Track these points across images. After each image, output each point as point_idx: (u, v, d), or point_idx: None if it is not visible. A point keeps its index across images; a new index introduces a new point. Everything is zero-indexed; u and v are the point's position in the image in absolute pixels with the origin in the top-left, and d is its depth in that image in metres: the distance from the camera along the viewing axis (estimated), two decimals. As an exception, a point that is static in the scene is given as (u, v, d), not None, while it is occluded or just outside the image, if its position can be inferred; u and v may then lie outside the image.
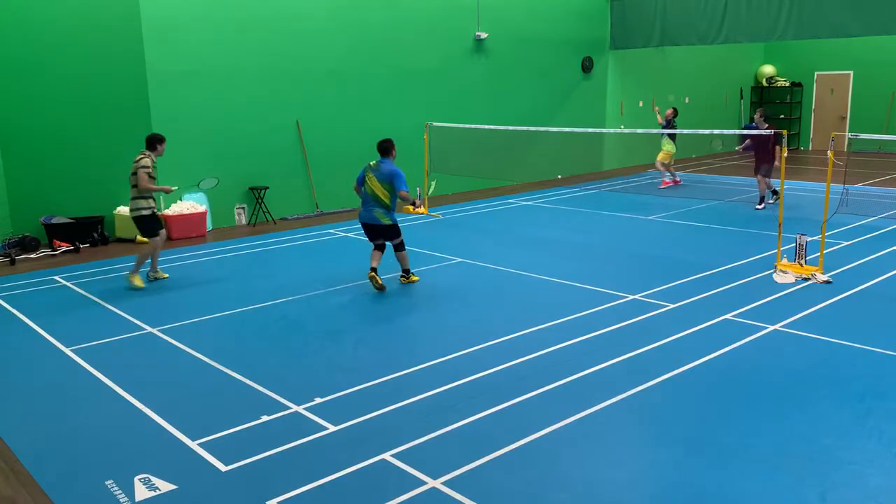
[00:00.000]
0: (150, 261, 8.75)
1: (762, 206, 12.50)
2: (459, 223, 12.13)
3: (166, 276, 8.85)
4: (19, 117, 10.68)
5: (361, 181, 7.92)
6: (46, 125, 10.81)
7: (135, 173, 8.23)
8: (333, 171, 13.11)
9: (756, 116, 12.65)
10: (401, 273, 8.23)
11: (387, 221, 7.82)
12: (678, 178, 15.58)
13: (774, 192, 12.79)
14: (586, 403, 5.14)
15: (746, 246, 9.77)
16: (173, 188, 9.07)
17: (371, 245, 8.17)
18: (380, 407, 5.15)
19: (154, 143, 8.42)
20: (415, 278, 8.25)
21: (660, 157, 15.06)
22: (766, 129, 11.65)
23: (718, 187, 15.06)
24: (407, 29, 14.04)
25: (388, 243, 8.08)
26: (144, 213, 8.38)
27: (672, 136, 14.82)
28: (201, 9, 11.42)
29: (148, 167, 8.22)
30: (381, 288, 7.86)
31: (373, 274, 7.84)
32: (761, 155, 12.42)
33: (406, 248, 8.19)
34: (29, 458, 4.62)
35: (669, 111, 14.90)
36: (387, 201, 7.79)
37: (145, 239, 8.88)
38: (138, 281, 8.40)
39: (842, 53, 21.38)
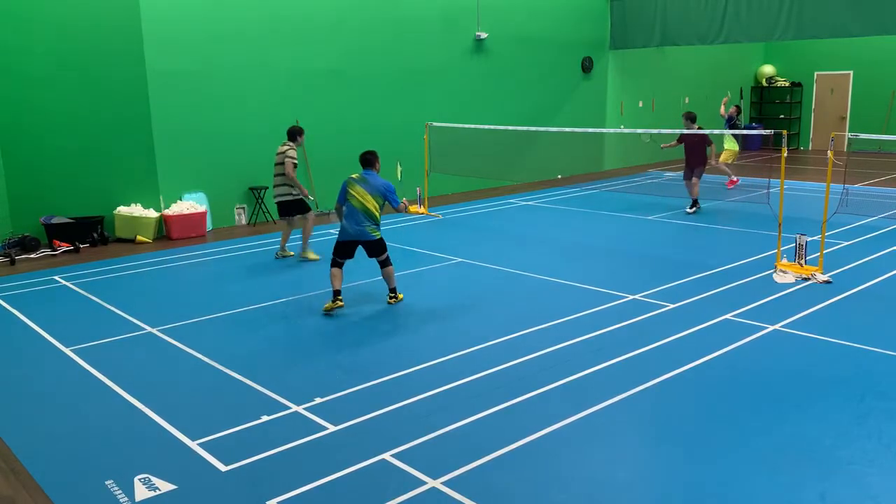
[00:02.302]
0: (282, 238, 9.69)
1: (693, 209, 12.21)
2: (459, 223, 12.13)
3: (292, 254, 9.72)
4: (19, 117, 10.67)
5: (344, 197, 7.35)
6: (46, 125, 10.81)
7: (281, 163, 9.15)
8: (333, 171, 13.05)
9: (684, 119, 12.20)
10: (388, 294, 7.59)
11: (377, 235, 7.34)
12: (735, 178, 14.97)
13: (696, 203, 12.44)
14: (586, 403, 5.14)
15: (746, 246, 9.77)
16: (311, 198, 9.57)
17: (325, 265, 7.54)
18: (380, 407, 5.15)
19: (295, 135, 9.40)
20: (400, 296, 7.63)
21: (722, 157, 14.20)
22: (697, 129, 11.89)
23: (718, 187, 15.04)
24: (407, 29, 14.05)
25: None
26: (289, 198, 9.26)
27: (735, 135, 14.17)
28: (201, 9, 11.43)
29: (294, 157, 9.18)
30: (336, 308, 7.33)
31: (337, 300, 7.23)
32: (693, 158, 12.13)
33: (392, 259, 7.57)
34: (29, 458, 4.61)
35: (733, 109, 14.45)
36: (377, 214, 7.30)
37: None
38: (312, 255, 9.42)
39: (842, 53, 21.38)
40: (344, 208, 7.37)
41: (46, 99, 10.76)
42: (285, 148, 9.27)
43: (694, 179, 12.23)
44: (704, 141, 12.12)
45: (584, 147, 17.74)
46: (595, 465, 4.40)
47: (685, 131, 11.92)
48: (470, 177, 14.95)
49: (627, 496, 4.11)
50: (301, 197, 9.37)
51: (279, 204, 9.40)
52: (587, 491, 4.12)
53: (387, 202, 7.38)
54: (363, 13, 13.34)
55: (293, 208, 9.40)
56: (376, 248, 7.38)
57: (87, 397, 5.51)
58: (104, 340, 6.69)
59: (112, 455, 4.63)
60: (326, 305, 7.29)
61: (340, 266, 7.38)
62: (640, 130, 12.88)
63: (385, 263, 7.47)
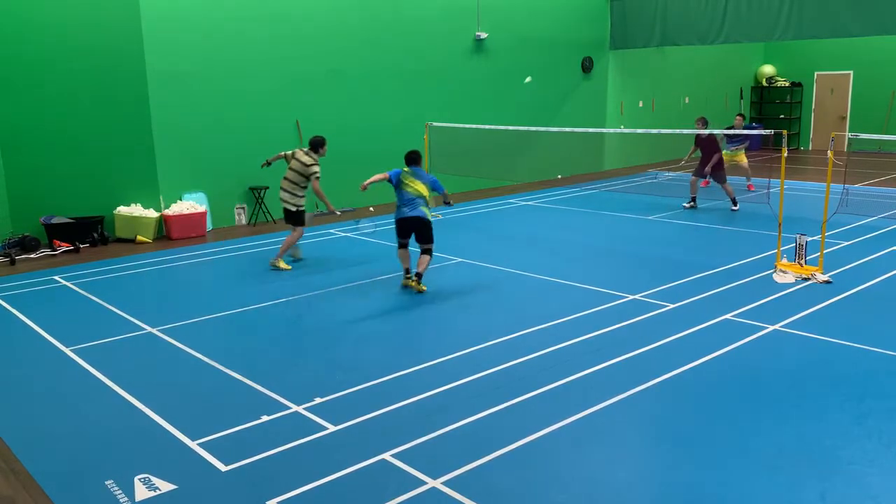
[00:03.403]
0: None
1: (689, 205, 12.72)
2: (459, 223, 12.13)
3: (303, 258, 9.65)
4: (19, 117, 10.67)
5: (398, 181, 8.19)
6: (46, 125, 10.81)
7: (305, 175, 9.05)
8: (333, 171, 13.07)
9: (698, 124, 12.41)
10: (414, 275, 8.10)
11: (430, 217, 8.23)
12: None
13: (694, 199, 12.87)
14: (586, 403, 5.14)
15: (746, 246, 9.77)
16: (337, 211, 9.53)
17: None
18: (380, 407, 5.15)
19: (317, 146, 9.22)
20: (423, 288, 8.03)
21: (741, 160, 14.20)
22: (707, 133, 12.08)
23: (718, 187, 15.04)
24: (407, 29, 14.04)
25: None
26: (299, 209, 9.21)
27: (738, 144, 14.14)
28: (201, 9, 11.42)
29: (319, 173, 9.08)
30: (422, 290, 8.03)
31: (409, 278, 8.11)
32: (707, 160, 12.38)
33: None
34: (29, 458, 4.62)
35: (738, 119, 14.28)
36: (429, 200, 8.29)
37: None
38: (283, 264, 9.18)
39: (842, 53, 21.38)
40: (399, 197, 8.15)
41: (46, 99, 10.76)
42: (309, 161, 9.05)
43: (726, 186, 12.52)
44: (714, 144, 12.34)
45: (584, 147, 17.74)
46: (595, 465, 4.40)
47: (698, 132, 12.08)
48: (470, 177, 14.94)
49: (627, 496, 4.11)
50: (301, 210, 9.20)
51: (286, 210, 9.27)
52: (587, 491, 4.12)
53: (435, 191, 8.33)
54: (363, 13, 13.34)
55: (292, 217, 9.25)
56: (427, 233, 8.14)
57: (87, 397, 5.51)
58: (104, 340, 6.69)
59: (112, 455, 4.63)
60: (403, 282, 8.18)
61: (406, 247, 8.16)
62: (640, 130, 12.88)
63: (427, 252, 8.18)
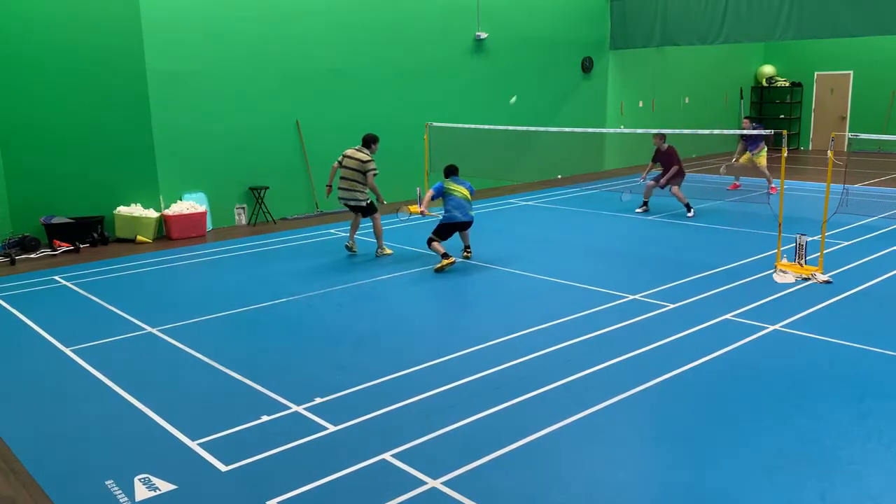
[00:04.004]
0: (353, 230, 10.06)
1: (692, 213, 12.28)
2: (459, 223, 12.10)
3: (356, 251, 9.99)
4: (19, 117, 10.67)
5: (442, 193, 9.41)
6: (46, 125, 10.81)
7: (362, 171, 9.41)
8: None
9: (658, 140, 12.46)
10: (465, 249, 9.56)
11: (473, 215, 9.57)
12: (739, 183, 15.09)
13: (646, 203, 12.83)
14: (586, 403, 5.14)
15: (746, 246, 9.77)
16: (384, 202, 10.08)
17: (426, 242, 9.30)
18: (380, 407, 5.15)
19: (370, 143, 9.69)
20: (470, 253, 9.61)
21: (761, 162, 14.22)
22: (667, 147, 12.29)
23: (718, 187, 15.08)
24: (407, 29, 14.05)
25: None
26: (367, 201, 9.60)
27: (758, 146, 14.17)
28: (201, 9, 11.43)
29: (376, 169, 9.50)
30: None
31: (448, 257, 8.92)
32: (667, 170, 12.36)
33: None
34: (29, 458, 4.61)
35: (745, 122, 14.35)
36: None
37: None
38: (387, 250, 9.81)
39: (842, 53, 21.39)
40: (448, 202, 9.29)
41: (47, 99, 10.76)
42: (366, 157, 9.45)
43: (674, 189, 12.32)
44: (673, 157, 12.26)
45: (584, 147, 17.74)
46: (595, 465, 4.40)
47: (658, 146, 12.36)
48: (470, 177, 14.91)
49: (627, 496, 4.11)
50: (369, 202, 9.60)
51: (348, 206, 9.67)
52: (587, 491, 4.12)
53: (471, 192, 9.50)
54: (363, 13, 13.34)
55: (361, 211, 9.66)
56: (469, 224, 9.44)
57: (87, 397, 5.51)
58: (104, 340, 6.69)
59: (112, 455, 4.63)
60: (437, 266, 8.86)
61: (440, 241, 9.10)
62: (640, 130, 12.89)
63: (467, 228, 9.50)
